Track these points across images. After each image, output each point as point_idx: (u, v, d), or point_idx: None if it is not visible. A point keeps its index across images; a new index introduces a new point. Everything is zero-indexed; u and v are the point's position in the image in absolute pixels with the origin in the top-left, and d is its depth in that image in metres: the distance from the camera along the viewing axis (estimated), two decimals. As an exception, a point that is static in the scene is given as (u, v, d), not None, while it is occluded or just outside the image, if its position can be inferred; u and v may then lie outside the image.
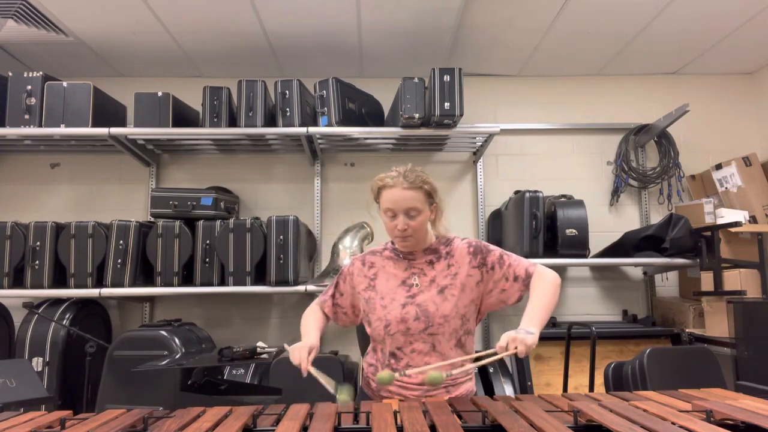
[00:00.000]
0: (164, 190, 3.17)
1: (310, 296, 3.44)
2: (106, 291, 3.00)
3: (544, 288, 1.66)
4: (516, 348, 1.44)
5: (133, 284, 3.03)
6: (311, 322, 1.76)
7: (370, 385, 1.74)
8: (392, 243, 1.76)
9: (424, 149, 3.65)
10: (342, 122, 3.17)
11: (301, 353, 1.58)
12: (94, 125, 3.10)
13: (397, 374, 1.51)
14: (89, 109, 3.09)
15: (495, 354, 1.47)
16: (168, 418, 1.30)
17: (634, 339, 3.21)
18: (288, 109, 3.16)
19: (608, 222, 3.65)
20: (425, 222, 1.66)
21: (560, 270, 3.61)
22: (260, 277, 3.11)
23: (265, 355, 2.48)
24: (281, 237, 3.03)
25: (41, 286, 3.01)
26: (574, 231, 3.11)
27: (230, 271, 3.04)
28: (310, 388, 2.52)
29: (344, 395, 1.45)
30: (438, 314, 1.62)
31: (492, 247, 1.72)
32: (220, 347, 2.51)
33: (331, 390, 1.49)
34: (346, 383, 1.50)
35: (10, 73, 3.11)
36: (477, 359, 1.58)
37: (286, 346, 1.69)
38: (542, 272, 1.70)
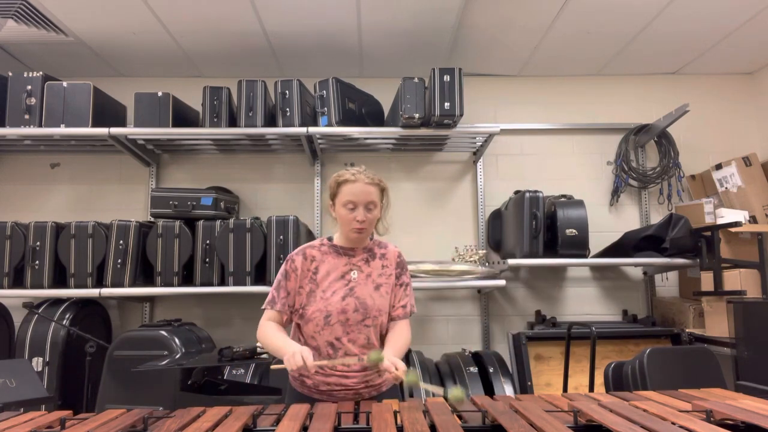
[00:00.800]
0: (164, 190, 3.17)
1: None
2: (106, 291, 3.00)
3: (405, 336, 1.80)
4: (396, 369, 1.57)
5: (133, 284, 3.03)
6: (278, 333, 1.71)
7: (305, 383, 1.76)
8: (329, 239, 1.87)
9: (424, 149, 3.65)
10: (342, 122, 3.18)
11: (303, 353, 1.55)
12: (94, 125, 3.11)
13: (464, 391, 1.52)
14: (89, 109, 3.09)
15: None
16: (168, 418, 1.30)
17: (634, 339, 3.21)
18: (288, 109, 3.16)
19: (608, 222, 3.65)
20: (377, 218, 1.81)
21: (560, 270, 3.61)
22: (260, 277, 3.11)
23: (265, 355, 2.48)
24: (281, 237, 3.03)
25: (41, 286, 3.01)
26: (574, 231, 3.11)
27: (230, 271, 3.04)
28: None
29: (412, 376, 1.53)
30: (375, 307, 1.76)
31: (407, 269, 1.90)
32: (220, 347, 2.51)
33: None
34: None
35: (10, 73, 3.11)
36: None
37: (273, 366, 1.65)
38: (405, 324, 1.85)
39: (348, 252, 1.82)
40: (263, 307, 1.79)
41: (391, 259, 1.85)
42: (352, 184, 1.76)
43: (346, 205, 1.75)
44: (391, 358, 1.60)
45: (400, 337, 1.78)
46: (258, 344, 2.55)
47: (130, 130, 3.18)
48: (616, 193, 3.66)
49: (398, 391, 1.88)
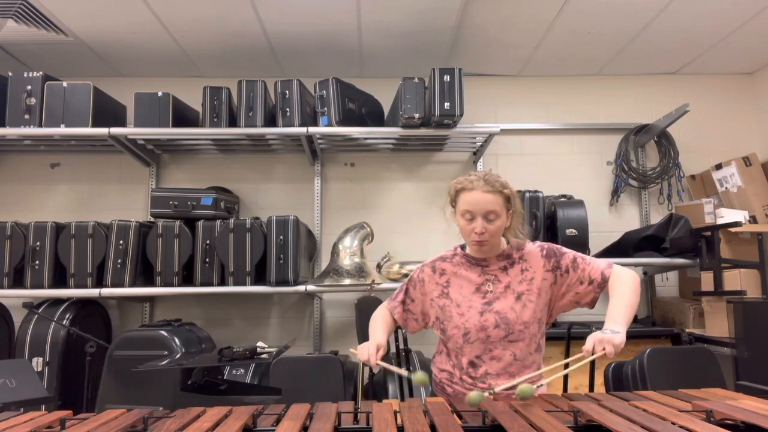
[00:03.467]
0: (164, 190, 3.17)
1: (310, 296, 3.44)
2: (106, 291, 3.00)
3: (624, 287, 1.62)
4: (604, 349, 1.43)
5: (133, 284, 3.03)
6: (379, 323, 1.77)
7: (445, 390, 1.72)
8: (462, 248, 1.76)
9: (424, 149, 3.65)
10: (342, 122, 3.17)
11: (369, 350, 1.60)
12: (94, 125, 3.10)
13: (486, 393, 1.45)
14: (89, 109, 3.09)
15: (583, 358, 1.46)
16: (168, 418, 1.30)
17: (634, 339, 3.21)
18: (288, 109, 3.16)
19: (608, 222, 3.65)
20: (502, 227, 1.65)
21: (560, 270, 3.61)
22: (260, 277, 3.11)
23: (265, 355, 2.48)
24: (281, 237, 3.03)
25: (41, 286, 3.01)
26: (574, 231, 3.11)
27: (230, 271, 3.04)
28: (310, 388, 2.52)
29: (420, 375, 1.52)
30: (518, 321, 1.63)
31: (565, 249, 1.72)
32: (220, 347, 2.50)
33: (405, 374, 1.62)
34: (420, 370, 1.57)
35: (10, 73, 3.11)
36: (566, 366, 1.59)
37: (352, 350, 1.73)
38: (619, 273, 1.66)
39: (481, 262, 1.70)
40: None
41: (532, 260, 1.69)
42: (469, 193, 1.62)
43: (464, 216, 1.63)
44: (599, 335, 1.43)
45: (616, 293, 1.58)
46: (258, 344, 2.55)
47: (130, 130, 3.18)
48: (616, 193, 3.66)
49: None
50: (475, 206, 1.61)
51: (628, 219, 3.67)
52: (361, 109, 3.34)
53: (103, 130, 3.10)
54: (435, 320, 1.75)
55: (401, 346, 2.31)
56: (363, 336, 2.40)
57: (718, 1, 2.84)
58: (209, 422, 1.26)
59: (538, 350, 1.70)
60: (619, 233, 3.44)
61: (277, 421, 1.29)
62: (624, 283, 1.62)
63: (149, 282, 3.14)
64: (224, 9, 2.84)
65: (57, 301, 3.10)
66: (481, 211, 1.60)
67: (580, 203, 3.21)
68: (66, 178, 3.61)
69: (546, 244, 1.73)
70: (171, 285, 3.05)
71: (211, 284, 3.06)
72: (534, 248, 1.72)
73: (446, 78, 3.00)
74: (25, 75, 3.10)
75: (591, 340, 1.45)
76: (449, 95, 3.00)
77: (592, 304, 1.71)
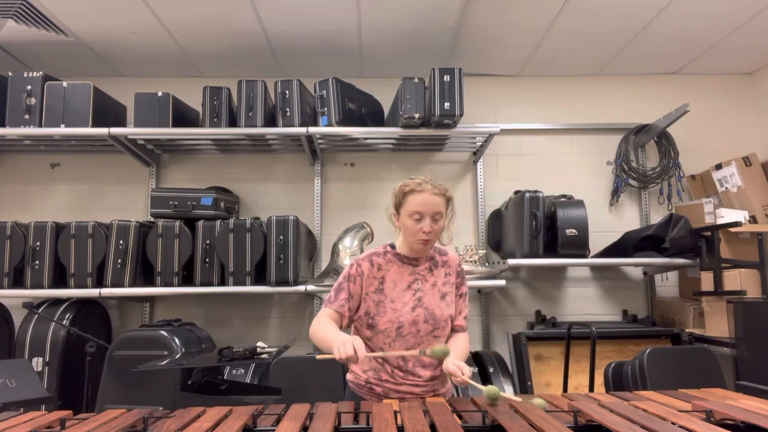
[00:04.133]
0: (164, 190, 3.17)
1: (310, 296, 3.44)
2: (106, 291, 3.00)
3: (467, 344, 1.84)
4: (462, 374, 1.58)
5: (133, 284, 3.03)
6: (330, 327, 1.69)
7: (374, 391, 1.75)
8: (392, 247, 1.84)
9: (424, 149, 3.65)
10: (342, 122, 3.17)
11: (354, 342, 1.52)
12: (94, 125, 3.10)
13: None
14: (89, 109, 3.09)
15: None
16: (168, 418, 1.30)
17: (634, 339, 3.21)
18: (288, 109, 3.16)
19: (608, 222, 3.65)
20: (442, 228, 1.77)
21: (560, 270, 3.61)
22: (260, 277, 3.11)
23: (265, 355, 2.48)
24: (281, 237, 3.03)
25: (41, 286, 3.01)
26: (574, 231, 3.11)
27: (230, 271, 3.04)
28: (310, 388, 2.52)
29: (492, 389, 1.49)
30: (443, 318, 1.76)
31: (466, 279, 1.90)
32: (220, 347, 2.51)
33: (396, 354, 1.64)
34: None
35: (10, 73, 3.11)
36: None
37: (319, 355, 1.67)
38: (467, 336, 1.88)
39: (412, 261, 1.81)
40: (323, 306, 1.81)
41: (453, 267, 1.85)
42: (419, 194, 1.72)
43: (412, 216, 1.72)
44: (456, 362, 1.61)
45: (464, 342, 1.80)
46: (258, 344, 2.55)
47: (130, 130, 3.18)
48: (616, 193, 3.66)
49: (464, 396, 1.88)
50: (424, 207, 1.71)
51: (628, 219, 3.67)
52: (361, 109, 3.34)
53: (103, 130, 3.10)
54: (364, 315, 1.75)
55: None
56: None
57: (718, 1, 2.84)
58: (209, 422, 1.26)
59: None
60: (619, 233, 3.44)
61: (277, 421, 1.29)
62: (467, 343, 1.84)
63: (149, 282, 3.14)
64: (224, 9, 2.84)
65: (57, 301, 3.10)
66: (430, 212, 1.71)
67: (580, 203, 3.20)
68: (66, 178, 3.61)
69: (461, 264, 1.91)
70: (171, 285, 3.05)
71: (211, 284, 3.06)
72: (456, 259, 1.88)
73: (446, 78, 3.00)
74: (25, 75, 3.10)
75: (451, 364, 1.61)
76: (449, 95, 3.00)
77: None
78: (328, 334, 1.63)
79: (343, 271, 1.81)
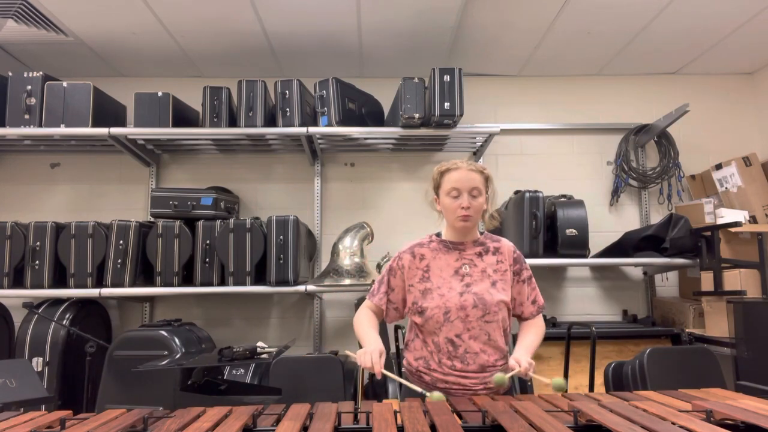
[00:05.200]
0: (164, 190, 3.17)
1: (310, 296, 3.44)
2: (106, 291, 3.00)
3: (540, 332, 1.83)
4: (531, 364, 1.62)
5: (133, 284, 3.03)
6: (369, 326, 1.78)
7: (422, 379, 1.76)
8: (437, 236, 1.85)
9: (424, 149, 3.65)
10: (342, 122, 3.17)
11: (372, 357, 1.59)
12: (94, 125, 3.10)
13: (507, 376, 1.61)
14: (89, 109, 3.09)
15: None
16: (168, 418, 1.30)
17: (634, 339, 3.21)
18: (288, 109, 3.16)
19: (608, 222, 3.65)
20: (483, 206, 1.77)
21: (560, 270, 3.61)
22: (260, 277, 3.11)
23: (265, 355, 2.48)
24: (281, 237, 3.03)
25: (41, 286, 3.01)
26: (574, 231, 3.11)
27: (230, 271, 3.04)
28: (310, 388, 2.52)
29: (437, 394, 1.49)
30: (493, 303, 1.73)
31: (526, 263, 1.87)
32: (220, 347, 2.50)
33: (419, 390, 1.56)
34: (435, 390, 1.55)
35: (10, 73, 3.11)
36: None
37: (348, 352, 1.75)
38: (542, 318, 1.88)
39: (458, 246, 1.80)
40: (367, 297, 1.85)
41: (506, 254, 1.81)
42: (455, 171, 1.76)
43: (450, 193, 1.75)
44: (515, 356, 1.62)
45: (533, 333, 1.78)
46: (258, 344, 2.55)
47: (130, 130, 3.18)
48: (616, 193, 3.66)
49: (512, 392, 1.87)
50: (461, 183, 1.74)
51: (628, 219, 3.67)
52: (361, 109, 3.34)
53: (103, 130, 3.10)
54: (412, 305, 1.78)
55: (401, 346, 2.31)
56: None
57: (718, 1, 2.84)
58: (209, 422, 1.26)
59: (505, 336, 1.78)
60: (619, 233, 3.44)
61: (277, 421, 1.29)
62: (541, 329, 1.83)
63: (149, 282, 3.14)
64: (224, 9, 2.84)
65: (57, 301, 3.10)
66: (467, 187, 1.73)
67: (580, 203, 3.20)
68: (66, 178, 3.61)
69: (518, 250, 1.87)
70: (171, 285, 3.05)
71: (211, 284, 3.06)
72: (509, 246, 1.84)
73: (446, 78, 3.00)
74: (25, 75, 3.10)
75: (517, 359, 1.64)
76: (449, 95, 3.00)
77: (521, 318, 1.87)
78: (363, 335, 1.72)
79: (387, 264, 1.85)
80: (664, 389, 1.65)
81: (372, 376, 1.61)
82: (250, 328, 3.51)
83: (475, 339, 1.71)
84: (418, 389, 1.56)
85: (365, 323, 1.79)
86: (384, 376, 1.60)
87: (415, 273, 1.78)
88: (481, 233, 1.86)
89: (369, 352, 1.60)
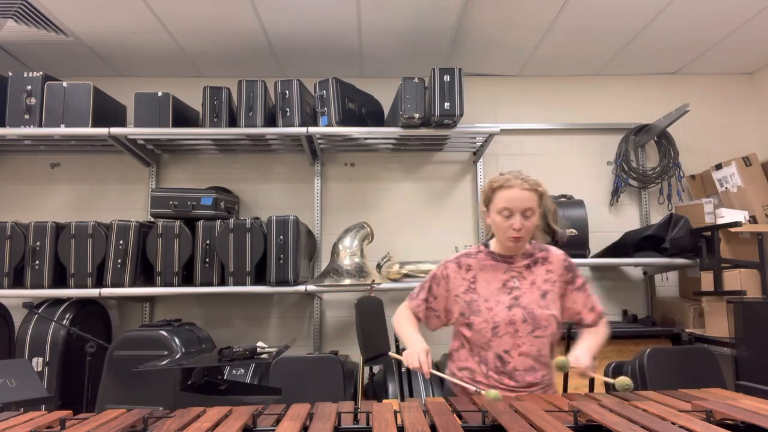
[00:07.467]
0: (164, 190, 3.17)
1: (310, 296, 3.44)
2: (106, 291, 3.00)
3: (602, 336, 1.79)
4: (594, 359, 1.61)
5: (133, 284, 3.03)
6: (410, 326, 1.77)
7: (468, 390, 1.70)
8: (485, 246, 1.81)
9: (424, 149, 3.65)
10: (342, 122, 3.18)
11: (420, 357, 1.58)
12: (94, 125, 3.11)
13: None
14: (89, 109, 3.09)
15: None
16: (168, 418, 1.30)
17: (634, 339, 3.20)
18: (288, 109, 3.16)
19: (608, 222, 3.65)
20: (535, 224, 1.71)
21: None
22: (260, 277, 3.11)
23: (265, 355, 2.48)
24: (281, 237, 3.03)
25: (41, 286, 3.01)
26: (574, 231, 3.11)
27: (230, 271, 3.04)
28: (310, 388, 2.52)
29: (493, 393, 1.47)
30: (543, 317, 1.69)
31: (579, 270, 1.83)
32: (220, 347, 2.50)
33: (473, 389, 1.56)
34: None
35: (10, 73, 3.11)
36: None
37: (391, 354, 1.74)
38: (605, 324, 1.85)
39: (507, 259, 1.76)
40: (407, 299, 1.84)
41: (556, 264, 1.77)
42: (507, 190, 1.67)
43: (502, 213, 1.68)
44: (576, 353, 1.60)
45: (595, 335, 1.74)
46: (258, 344, 2.55)
47: (130, 130, 3.18)
48: (616, 193, 3.66)
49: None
50: (514, 203, 1.66)
51: (628, 219, 3.67)
52: (361, 109, 3.34)
53: (103, 130, 3.10)
54: (459, 316, 1.74)
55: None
56: (363, 336, 2.40)
57: (718, 1, 2.84)
58: (209, 422, 1.26)
59: (552, 350, 1.74)
60: (619, 233, 3.44)
61: (277, 421, 1.29)
62: (605, 332, 1.80)
63: (149, 282, 3.14)
64: (224, 9, 2.84)
65: (57, 301, 3.10)
66: (520, 207, 1.66)
67: (580, 203, 3.20)
68: (66, 178, 3.61)
69: (569, 257, 1.82)
70: (171, 285, 3.05)
71: (211, 284, 3.06)
72: (559, 255, 1.79)
73: (446, 78, 3.00)
74: (25, 75, 3.10)
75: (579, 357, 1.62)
76: (449, 95, 3.00)
77: (589, 326, 1.82)
78: (406, 336, 1.71)
79: (433, 270, 1.82)
80: (664, 389, 1.64)
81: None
82: (250, 328, 3.51)
83: (525, 355, 1.67)
84: (472, 387, 1.55)
85: (405, 323, 1.77)
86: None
87: (461, 283, 1.74)
88: (530, 243, 1.81)
89: (416, 353, 1.59)
